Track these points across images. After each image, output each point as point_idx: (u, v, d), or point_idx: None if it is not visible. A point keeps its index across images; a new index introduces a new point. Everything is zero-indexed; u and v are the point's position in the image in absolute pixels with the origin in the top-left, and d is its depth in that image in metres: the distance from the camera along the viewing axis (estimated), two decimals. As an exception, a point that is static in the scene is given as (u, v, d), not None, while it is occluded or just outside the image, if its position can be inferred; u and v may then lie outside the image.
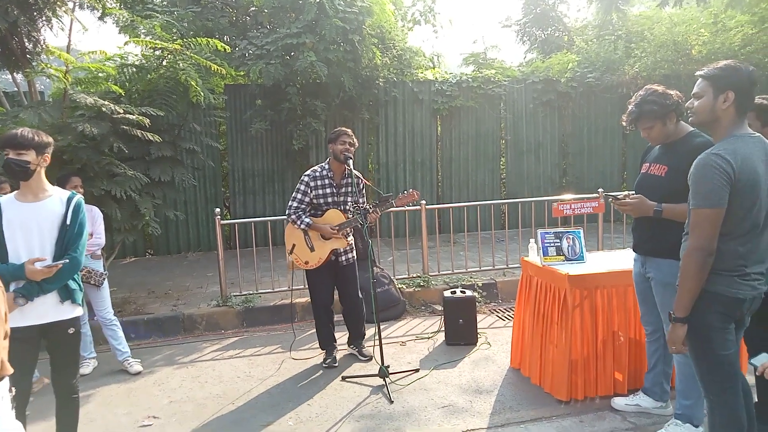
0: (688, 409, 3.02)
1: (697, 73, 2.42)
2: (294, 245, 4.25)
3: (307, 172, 4.30)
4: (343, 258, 4.32)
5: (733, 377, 2.38)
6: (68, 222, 2.75)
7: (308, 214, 4.25)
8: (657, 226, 2.97)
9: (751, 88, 2.31)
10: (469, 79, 9.28)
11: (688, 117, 2.51)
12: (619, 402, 3.45)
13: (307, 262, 4.24)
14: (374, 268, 5.14)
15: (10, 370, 2.01)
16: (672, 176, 2.90)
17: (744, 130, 2.34)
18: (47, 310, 2.74)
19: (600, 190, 6.12)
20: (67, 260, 2.70)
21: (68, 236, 2.75)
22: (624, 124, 3.07)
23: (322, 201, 4.23)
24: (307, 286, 4.46)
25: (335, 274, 4.35)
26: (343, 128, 4.27)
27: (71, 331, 2.81)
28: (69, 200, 2.80)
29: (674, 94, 2.95)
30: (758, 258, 2.34)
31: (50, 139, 2.81)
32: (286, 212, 4.29)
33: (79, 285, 2.87)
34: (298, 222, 4.19)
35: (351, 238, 4.34)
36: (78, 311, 2.86)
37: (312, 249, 4.21)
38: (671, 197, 2.86)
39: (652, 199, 2.94)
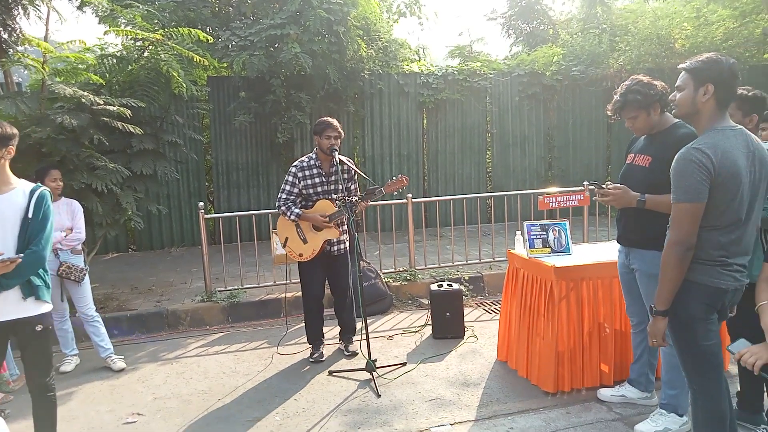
0: (674, 399, 3.04)
1: (680, 65, 2.43)
2: (287, 238, 4.22)
3: (295, 163, 4.25)
4: (335, 248, 4.28)
5: (716, 368, 2.40)
6: (30, 215, 2.64)
7: (299, 205, 4.21)
8: (641, 218, 2.97)
9: (731, 81, 2.31)
10: (455, 72, 9.25)
11: (672, 109, 2.51)
12: (605, 393, 3.47)
13: (301, 255, 4.21)
14: (361, 262, 5.12)
15: None
16: (656, 167, 2.90)
17: (725, 122, 2.34)
18: (9, 306, 2.64)
19: (585, 183, 6.16)
20: (25, 255, 2.58)
21: (30, 230, 2.64)
22: (609, 113, 3.07)
23: (311, 191, 4.18)
24: (297, 280, 4.42)
25: (327, 266, 4.31)
26: (328, 119, 4.19)
27: (39, 328, 2.72)
28: (32, 192, 2.69)
29: (659, 85, 2.95)
30: (741, 250, 2.35)
31: (14, 131, 2.70)
32: (276, 204, 4.25)
33: (45, 281, 2.77)
34: (288, 213, 4.14)
35: (344, 228, 4.29)
36: (45, 308, 2.76)
37: (305, 241, 4.18)
38: (655, 188, 2.86)
39: (636, 189, 2.94)
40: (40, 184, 2.81)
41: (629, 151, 3.20)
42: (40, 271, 2.74)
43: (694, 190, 2.24)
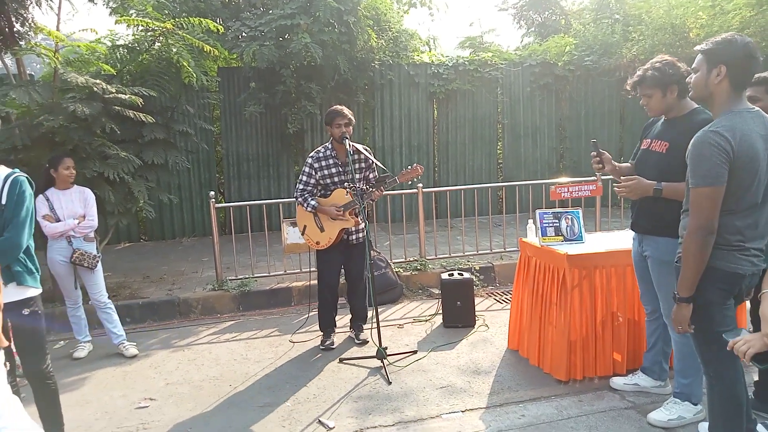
0: (687, 388, 3.01)
1: (696, 47, 2.40)
2: (305, 226, 4.27)
3: (311, 154, 4.27)
4: (354, 237, 4.29)
5: (731, 354, 2.37)
6: (3, 201, 2.59)
7: (318, 194, 4.23)
8: (654, 204, 2.93)
9: (746, 62, 2.26)
10: (466, 62, 9.18)
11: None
12: (617, 381, 3.44)
13: (318, 243, 4.24)
14: (371, 252, 5.11)
15: (5, 343, 1.97)
16: (673, 153, 2.85)
17: (742, 105, 2.30)
18: None
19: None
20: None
21: (5, 216, 2.60)
22: (628, 87, 3.03)
23: (329, 181, 4.20)
24: (307, 269, 4.43)
25: (344, 254, 4.33)
26: (338, 108, 4.18)
27: (25, 312, 2.69)
28: (6, 178, 2.63)
29: (682, 67, 2.88)
30: (758, 234, 2.32)
31: None
32: (294, 195, 4.29)
33: (26, 266, 2.71)
34: (305, 205, 4.18)
35: (361, 218, 4.30)
36: (30, 292, 2.73)
37: (322, 230, 4.21)
38: (672, 175, 2.81)
39: (652, 176, 2.90)
40: (16, 169, 2.74)
41: (645, 136, 3.15)
42: (22, 256, 2.69)
43: (714, 173, 2.20)
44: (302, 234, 4.32)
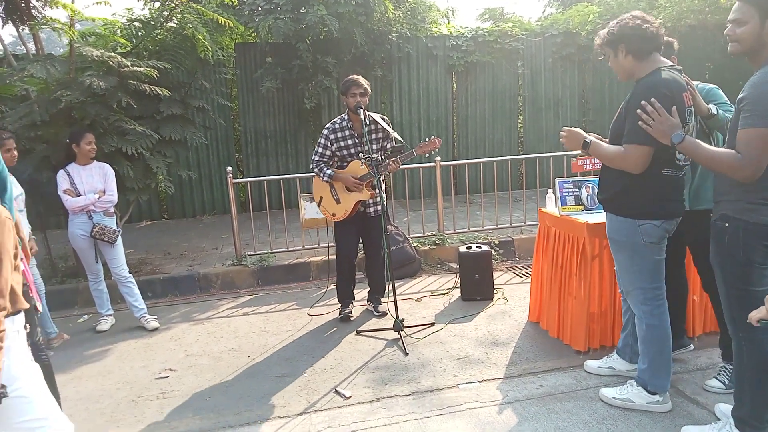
0: (644, 373, 2.80)
1: None
2: (321, 198, 4.25)
3: (327, 125, 4.23)
4: (372, 210, 4.26)
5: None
6: None
7: (334, 166, 4.20)
8: (604, 177, 2.79)
9: None
10: (486, 33, 8.97)
11: (728, 45, 2.32)
12: (592, 365, 3.24)
13: (334, 215, 4.22)
14: (389, 226, 5.07)
15: (26, 305, 2.00)
16: (620, 116, 2.67)
17: None
18: None
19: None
20: None
21: None
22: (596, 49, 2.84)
23: (345, 153, 4.16)
24: (325, 244, 4.41)
25: (362, 226, 4.29)
26: (353, 77, 4.11)
27: None
28: None
29: (641, 24, 2.57)
30: None
31: None
32: (310, 166, 4.27)
33: None
34: (321, 174, 4.16)
35: (379, 190, 4.24)
36: None
37: (338, 201, 4.18)
38: (618, 138, 2.65)
39: (613, 140, 2.71)
40: None
41: None
42: None
43: None
44: (318, 205, 4.30)
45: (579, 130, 2.83)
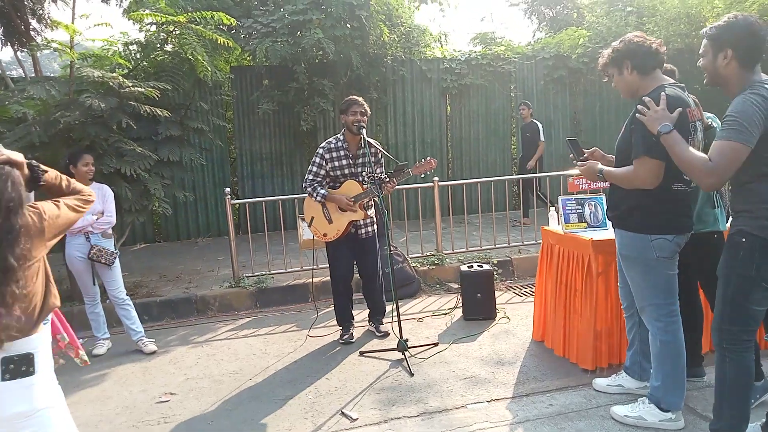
0: (657, 391, 2.77)
1: (702, 31, 2.37)
2: (313, 217, 4.19)
3: (322, 144, 4.21)
4: (363, 231, 4.22)
5: (753, 332, 2.35)
6: None
7: (326, 186, 4.16)
8: (612, 194, 2.86)
9: (752, 41, 2.24)
10: (479, 57, 9.12)
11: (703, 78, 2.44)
12: (600, 383, 3.20)
13: (325, 235, 4.17)
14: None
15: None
16: (624, 135, 2.72)
17: (758, 77, 2.27)
18: None
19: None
20: None
21: None
22: (599, 70, 2.90)
23: (339, 173, 4.14)
24: (325, 265, 4.37)
25: (355, 248, 4.26)
26: (354, 97, 4.14)
27: None
28: None
29: (645, 42, 2.63)
30: None
31: None
32: (303, 185, 4.22)
33: None
34: (314, 194, 4.11)
35: (372, 211, 4.23)
36: None
37: (330, 221, 4.13)
38: (622, 155, 2.71)
39: (617, 161, 2.79)
40: None
41: None
42: None
43: (748, 132, 2.16)
44: (309, 226, 4.22)
45: (592, 162, 2.90)
